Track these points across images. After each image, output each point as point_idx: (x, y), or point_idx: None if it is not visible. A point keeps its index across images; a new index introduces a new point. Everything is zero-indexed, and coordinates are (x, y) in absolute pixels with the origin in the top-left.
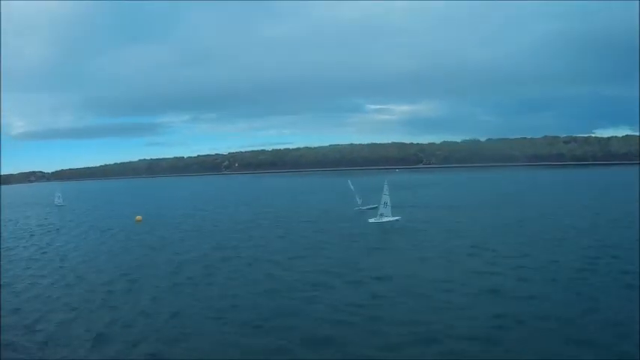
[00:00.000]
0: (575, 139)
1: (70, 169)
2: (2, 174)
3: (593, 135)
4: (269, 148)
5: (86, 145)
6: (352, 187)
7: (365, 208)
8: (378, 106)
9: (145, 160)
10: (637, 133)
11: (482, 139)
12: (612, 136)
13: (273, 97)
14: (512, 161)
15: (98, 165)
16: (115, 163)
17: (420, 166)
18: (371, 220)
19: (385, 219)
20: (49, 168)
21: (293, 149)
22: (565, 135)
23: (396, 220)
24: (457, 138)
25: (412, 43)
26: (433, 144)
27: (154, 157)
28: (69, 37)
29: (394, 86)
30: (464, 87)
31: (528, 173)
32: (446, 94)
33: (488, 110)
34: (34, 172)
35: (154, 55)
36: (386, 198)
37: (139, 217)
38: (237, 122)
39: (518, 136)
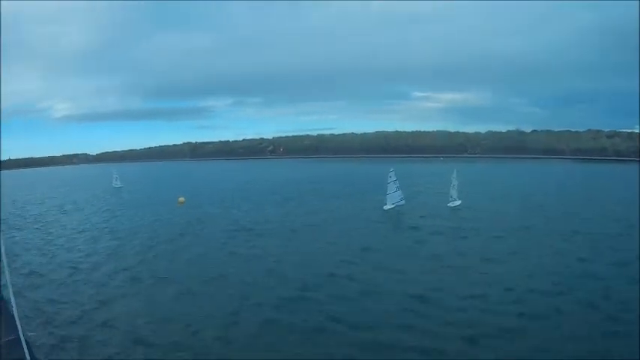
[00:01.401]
0: (618, 134)
1: (113, 152)
2: (46, 155)
3: (636, 131)
4: (313, 133)
5: (130, 128)
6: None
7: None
8: (424, 94)
9: (189, 143)
10: None
11: (527, 130)
12: None
13: (317, 82)
14: (557, 154)
15: (142, 148)
16: (159, 146)
17: (465, 155)
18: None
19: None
20: (92, 150)
21: (338, 135)
22: (608, 129)
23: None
24: (502, 128)
25: (459, 32)
26: (478, 133)
27: (199, 141)
28: (112, 22)
29: (440, 74)
30: (509, 77)
31: (575, 167)
32: (491, 84)
33: (533, 101)
34: (77, 154)
35: (197, 40)
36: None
37: (181, 199)
38: (282, 107)
39: (563, 129)
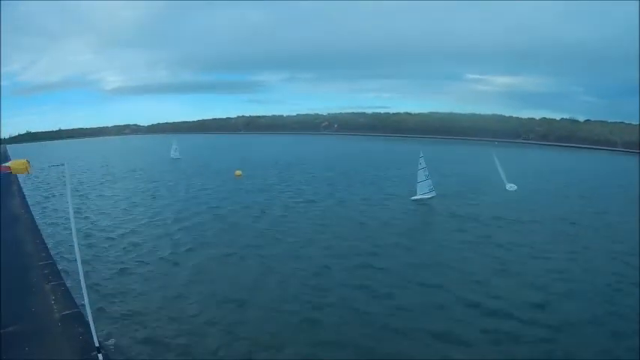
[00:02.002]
0: None
1: (165, 123)
2: (96, 126)
3: None
4: (368, 111)
5: (182, 100)
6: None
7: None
8: (477, 76)
9: (243, 116)
10: None
11: (581, 119)
12: None
13: (372, 60)
14: (609, 145)
15: (195, 120)
16: (212, 119)
17: (519, 140)
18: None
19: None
20: (143, 122)
21: (393, 114)
22: None
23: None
24: (556, 116)
25: (513, 15)
26: (533, 119)
27: (253, 114)
28: None
29: (494, 57)
30: (567, 64)
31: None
32: (546, 70)
33: (588, 90)
34: (128, 125)
35: (250, 14)
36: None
37: (238, 172)
38: (336, 83)
39: (617, 120)
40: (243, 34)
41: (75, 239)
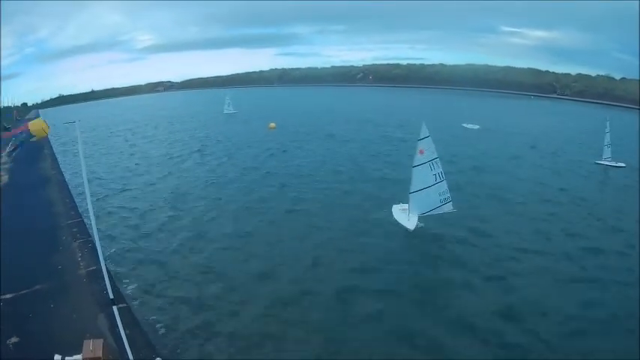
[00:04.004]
0: None
1: (199, 78)
2: (129, 85)
3: None
4: (403, 62)
5: (213, 55)
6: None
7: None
8: (512, 29)
9: (276, 69)
10: None
11: (617, 77)
12: None
13: (406, 11)
14: None
15: (228, 74)
16: (245, 72)
17: (554, 95)
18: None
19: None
20: (176, 79)
21: (428, 65)
22: None
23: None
24: (592, 72)
25: None
26: (568, 75)
27: (286, 67)
28: None
29: (529, 11)
30: (601, 19)
31: None
32: (582, 24)
33: (625, 48)
34: (162, 82)
35: None
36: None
37: (272, 124)
38: (369, 35)
39: None
40: None
41: (88, 196)
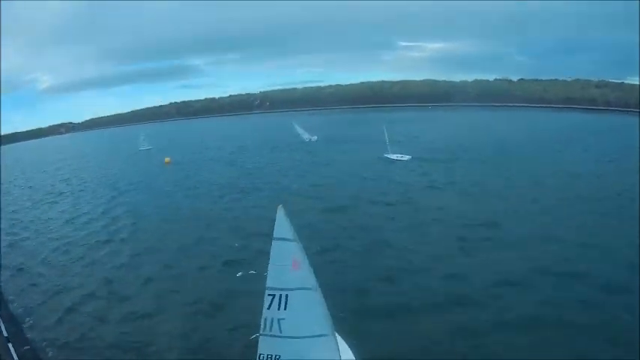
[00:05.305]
0: (607, 85)
1: (100, 118)
2: (32, 128)
3: (626, 82)
4: (299, 86)
5: (114, 93)
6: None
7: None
8: (409, 43)
9: (175, 103)
10: None
11: (515, 79)
12: None
13: (301, 34)
14: (545, 103)
15: (128, 111)
16: (145, 108)
17: (452, 103)
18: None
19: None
20: (77, 118)
21: (324, 87)
22: (598, 79)
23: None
24: (490, 77)
25: None
26: (465, 82)
27: (185, 100)
28: None
29: (426, 23)
30: (497, 26)
31: (560, 115)
32: (479, 33)
33: (522, 50)
34: (63, 123)
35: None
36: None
37: (167, 159)
38: (266, 61)
39: (551, 78)
40: (166, 22)
41: None
